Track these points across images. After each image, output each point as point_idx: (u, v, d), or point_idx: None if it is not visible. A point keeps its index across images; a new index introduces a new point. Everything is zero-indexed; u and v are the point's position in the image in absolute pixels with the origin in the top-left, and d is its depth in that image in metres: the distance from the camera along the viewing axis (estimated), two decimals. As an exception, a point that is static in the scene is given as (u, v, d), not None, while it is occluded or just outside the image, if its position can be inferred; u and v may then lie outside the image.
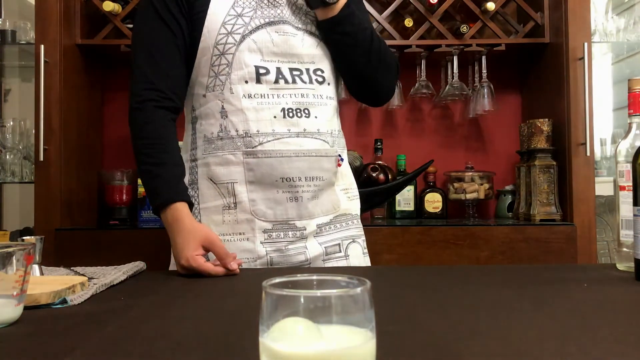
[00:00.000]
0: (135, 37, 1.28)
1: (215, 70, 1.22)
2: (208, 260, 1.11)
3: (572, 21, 2.09)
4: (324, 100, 1.27)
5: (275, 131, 1.21)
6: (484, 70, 2.34)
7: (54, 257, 1.93)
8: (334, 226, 1.29)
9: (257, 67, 1.21)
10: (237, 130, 1.21)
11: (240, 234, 1.21)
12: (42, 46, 2.01)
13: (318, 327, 0.44)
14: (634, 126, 1.06)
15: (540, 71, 2.36)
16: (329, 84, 1.29)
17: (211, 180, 1.23)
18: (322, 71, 1.28)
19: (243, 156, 1.21)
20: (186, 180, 1.25)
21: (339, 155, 1.31)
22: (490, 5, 2.20)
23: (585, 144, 2.05)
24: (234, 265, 1.09)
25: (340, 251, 1.29)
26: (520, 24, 2.36)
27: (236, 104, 1.21)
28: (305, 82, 1.25)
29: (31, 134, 2.27)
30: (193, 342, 0.63)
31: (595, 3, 2.33)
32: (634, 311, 0.79)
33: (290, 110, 1.22)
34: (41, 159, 2.01)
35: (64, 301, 0.82)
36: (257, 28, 1.22)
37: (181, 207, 1.15)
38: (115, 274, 1.01)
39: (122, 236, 2.05)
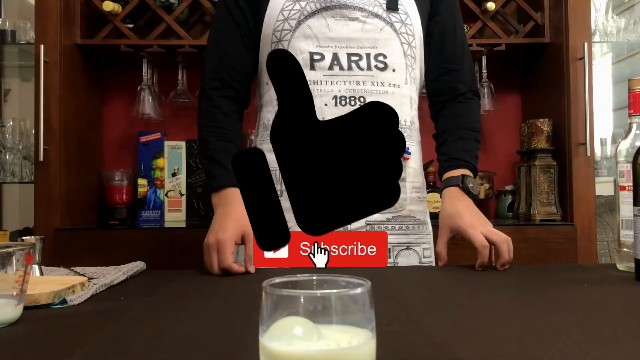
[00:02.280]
0: (211, 27, 1.33)
1: None
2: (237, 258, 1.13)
3: (572, 21, 2.08)
4: (385, 88, 1.21)
5: (325, 119, 1.19)
6: (484, 70, 2.34)
7: (54, 257, 1.93)
8: (391, 226, 1.23)
9: (311, 54, 1.19)
10: None
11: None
12: (42, 46, 2.01)
13: (317, 327, 0.44)
14: (634, 126, 1.06)
15: (540, 71, 2.36)
16: (393, 70, 1.22)
17: None
18: (385, 56, 1.21)
19: None
20: None
21: (407, 149, 1.23)
22: (490, 5, 2.20)
23: (585, 144, 2.05)
24: (252, 268, 1.10)
25: (389, 257, 1.22)
26: (520, 23, 2.36)
27: None
28: (362, 69, 1.19)
29: (31, 134, 2.26)
30: (193, 342, 0.63)
31: (595, 3, 2.33)
32: (634, 311, 0.79)
33: (342, 98, 1.18)
34: (41, 159, 2.01)
35: (64, 301, 0.82)
36: (313, 13, 1.19)
37: (235, 191, 1.16)
38: (115, 274, 1.01)
39: (122, 236, 2.05)
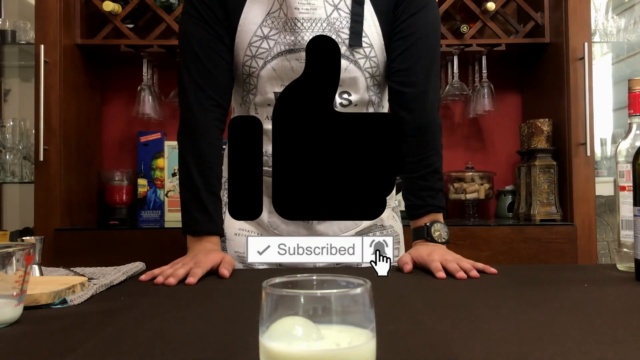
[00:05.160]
0: (183, 42, 1.29)
1: (246, 87, 1.25)
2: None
3: (572, 21, 2.08)
4: None
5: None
6: (484, 70, 2.34)
7: (54, 257, 1.93)
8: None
9: (276, 94, 1.22)
10: None
11: (258, 235, 1.26)
12: (42, 46, 2.01)
13: (317, 327, 0.44)
14: (634, 126, 1.06)
15: (540, 71, 2.36)
16: (355, 105, 1.24)
17: None
18: (349, 94, 1.23)
19: (263, 174, 1.19)
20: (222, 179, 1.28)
21: None
22: (491, 5, 2.20)
23: (585, 144, 2.05)
24: (225, 272, 1.07)
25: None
26: (520, 24, 2.36)
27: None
28: None
29: (31, 134, 2.27)
30: (193, 343, 0.63)
31: (595, 3, 2.33)
32: (634, 311, 0.79)
33: None
34: (41, 159, 2.01)
35: (64, 301, 0.82)
36: (278, 55, 1.20)
37: (215, 240, 1.19)
38: (114, 274, 1.01)
39: (122, 236, 2.05)
